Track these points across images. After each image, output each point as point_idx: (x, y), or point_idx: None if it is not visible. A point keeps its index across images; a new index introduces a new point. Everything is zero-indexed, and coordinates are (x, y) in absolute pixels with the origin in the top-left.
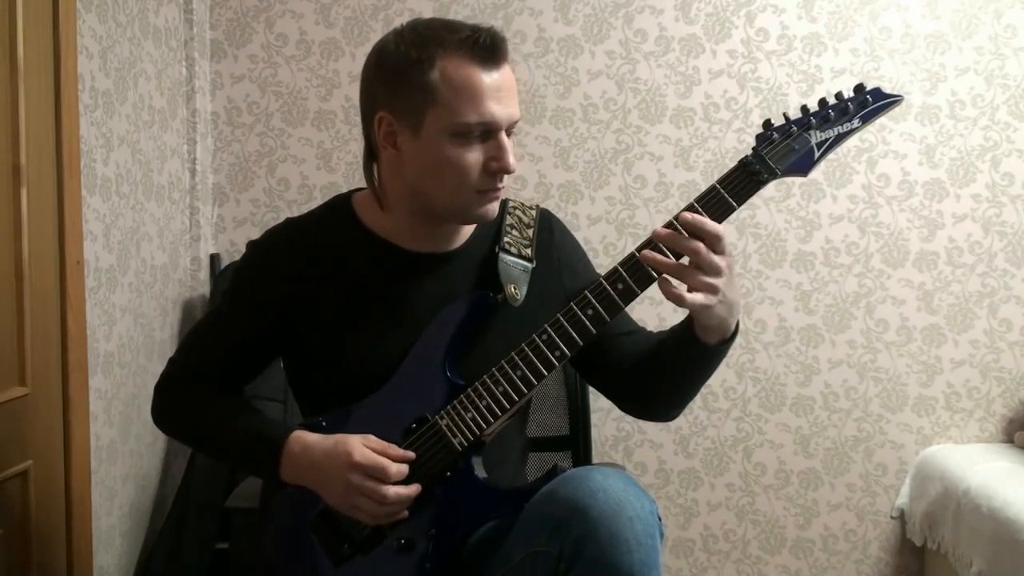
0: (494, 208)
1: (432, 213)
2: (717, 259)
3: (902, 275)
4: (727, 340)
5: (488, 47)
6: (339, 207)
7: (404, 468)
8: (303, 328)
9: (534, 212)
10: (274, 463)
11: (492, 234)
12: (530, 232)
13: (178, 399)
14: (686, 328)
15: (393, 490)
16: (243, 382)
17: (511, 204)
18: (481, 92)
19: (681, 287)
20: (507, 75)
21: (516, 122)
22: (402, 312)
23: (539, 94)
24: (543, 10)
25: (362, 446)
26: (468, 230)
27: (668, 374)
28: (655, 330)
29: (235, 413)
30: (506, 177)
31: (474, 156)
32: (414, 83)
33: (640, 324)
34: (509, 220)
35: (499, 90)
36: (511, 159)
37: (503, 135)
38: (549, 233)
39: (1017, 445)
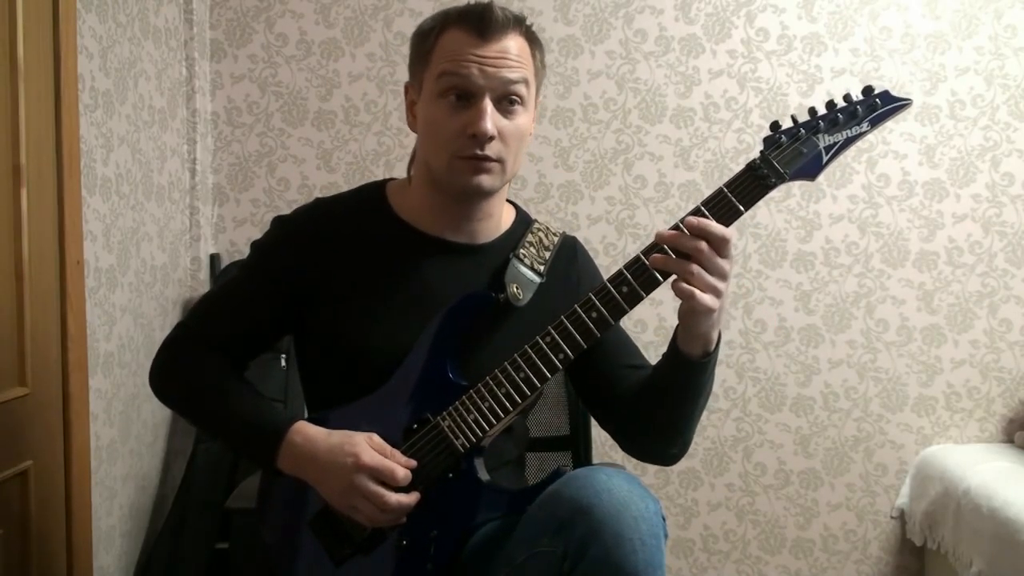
0: (483, 181)
1: (438, 185)
2: (722, 262)
3: (902, 275)
4: (709, 353)
5: (478, 15)
6: (370, 191)
7: (410, 474)
8: (316, 305)
9: (556, 238)
10: (272, 451)
11: (512, 245)
12: (547, 254)
13: (182, 362)
14: (671, 346)
15: (395, 497)
16: (249, 356)
17: (536, 225)
18: (463, 53)
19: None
20: (502, 47)
21: (510, 88)
22: (417, 297)
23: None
24: (543, 10)
25: (370, 447)
26: (494, 227)
27: (658, 398)
28: (655, 330)
29: (239, 391)
30: (495, 147)
31: (456, 118)
32: (422, 51)
33: (643, 325)
34: (530, 237)
35: (486, 56)
36: (485, 123)
37: (486, 101)
38: (571, 258)
39: (1017, 445)
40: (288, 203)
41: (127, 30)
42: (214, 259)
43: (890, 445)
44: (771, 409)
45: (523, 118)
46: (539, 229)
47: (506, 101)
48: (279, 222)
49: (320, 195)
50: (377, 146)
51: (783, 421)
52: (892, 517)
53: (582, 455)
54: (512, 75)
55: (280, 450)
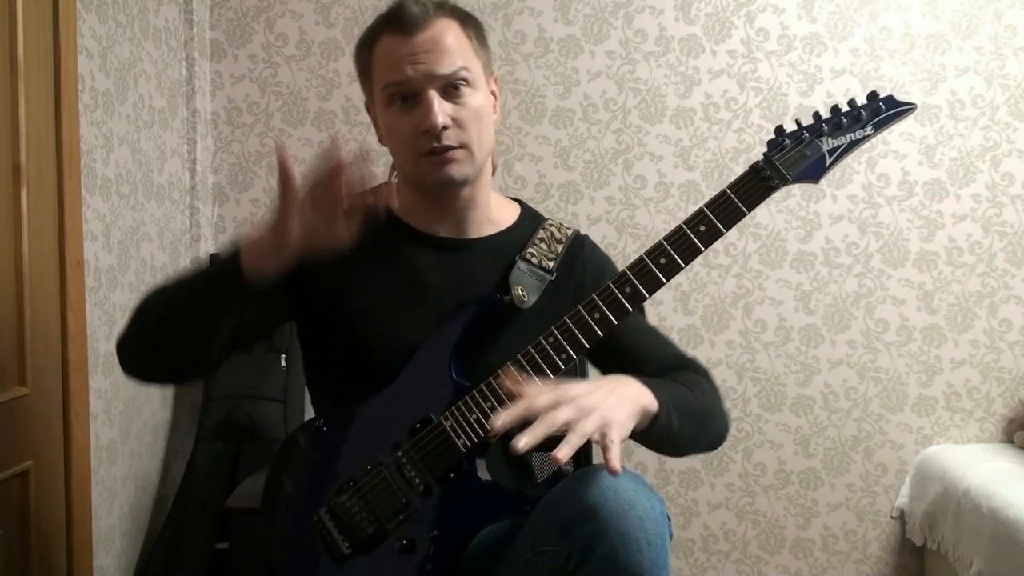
0: (452, 171)
1: (417, 186)
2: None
3: (902, 275)
4: (653, 415)
5: (396, 15)
6: None
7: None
8: (317, 303)
9: (569, 231)
10: (235, 263)
11: (521, 242)
12: (559, 247)
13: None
14: None
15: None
16: (246, 342)
17: (548, 222)
18: (395, 57)
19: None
20: (428, 37)
21: (448, 78)
22: (412, 292)
23: (539, 94)
24: (543, 10)
25: None
26: (485, 219)
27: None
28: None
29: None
30: (452, 135)
31: (407, 120)
32: (363, 66)
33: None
34: (541, 234)
35: (415, 52)
36: (434, 116)
37: (430, 94)
38: (579, 250)
39: (1017, 445)
40: None
41: (127, 30)
42: (214, 259)
43: (890, 445)
44: (771, 409)
45: (475, 98)
46: (551, 225)
47: (451, 87)
48: None
49: None
50: (376, 146)
51: (783, 421)
52: (892, 517)
53: (582, 455)
54: (446, 61)
55: (241, 258)
